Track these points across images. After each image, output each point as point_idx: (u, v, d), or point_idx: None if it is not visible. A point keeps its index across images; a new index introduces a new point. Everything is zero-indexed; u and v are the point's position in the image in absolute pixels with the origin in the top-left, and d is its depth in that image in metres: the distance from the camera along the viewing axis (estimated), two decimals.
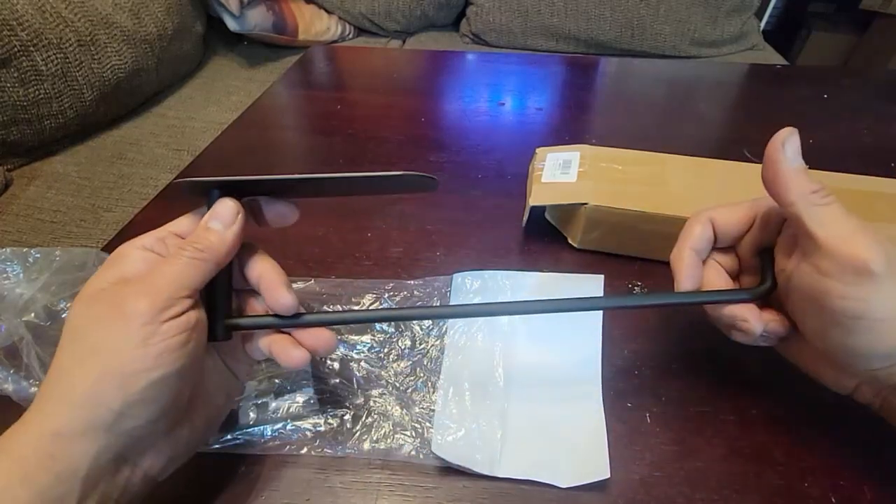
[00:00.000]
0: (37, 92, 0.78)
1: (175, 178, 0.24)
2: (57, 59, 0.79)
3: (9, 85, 0.75)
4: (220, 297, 0.24)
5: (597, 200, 0.37)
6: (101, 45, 0.86)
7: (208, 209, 0.23)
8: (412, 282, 0.37)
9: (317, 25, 1.27)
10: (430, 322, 0.34)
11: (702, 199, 0.36)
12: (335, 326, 0.28)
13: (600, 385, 0.30)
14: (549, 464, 0.26)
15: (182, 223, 0.24)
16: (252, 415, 0.29)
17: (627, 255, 0.39)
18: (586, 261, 0.40)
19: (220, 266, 0.22)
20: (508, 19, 1.23)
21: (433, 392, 0.30)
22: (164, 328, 0.20)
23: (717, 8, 1.17)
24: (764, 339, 0.26)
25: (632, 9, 1.17)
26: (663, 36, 1.19)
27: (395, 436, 0.28)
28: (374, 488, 0.27)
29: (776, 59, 1.24)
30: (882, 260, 0.20)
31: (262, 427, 0.29)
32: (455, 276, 0.36)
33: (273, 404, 0.29)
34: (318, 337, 0.24)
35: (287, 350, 0.24)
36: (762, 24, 1.44)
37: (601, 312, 0.33)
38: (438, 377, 0.31)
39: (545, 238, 0.41)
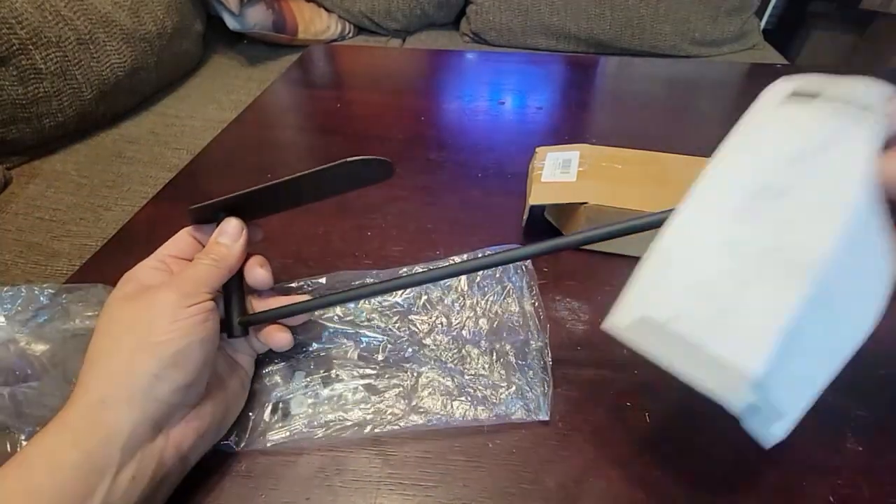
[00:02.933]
0: (36, 90, 0.77)
1: (189, 205, 0.29)
2: (56, 57, 0.79)
3: (8, 83, 0.74)
4: (235, 301, 0.29)
5: (596, 200, 0.37)
6: (100, 44, 0.85)
7: (216, 226, 0.28)
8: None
9: (316, 24, 1.27)
10: (457, 295, 0.36)
11: None
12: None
13: None
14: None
15: (172, 247, 0.28)
16: (305, 404, 0.30)
17: (627, 255, 0.39)
18: (586, 260, 0.40)
19: (231, 272, 0.28)
20: (508, 18, 1.23)
21: (477, 359, 0.32)
22: (187, 311, 0.24)
23: (717, 7, 1.17)
24: None
25: (632, 8, 1.16)
26: (663, 35, 1.19)
27: (452, 403, 0.30)
28: (374, 487, 0.27)
29: (776, 58, 1.24)
30: None
31: (317, 416, 0.29)
32: None
33: (324, 392, 0.31)
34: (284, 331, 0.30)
35: (274, 335, 0.29)
36: (762, 24, 1.44)
37: None
38: (476, 344, 0.33)
39: (545, 237, 0.41)
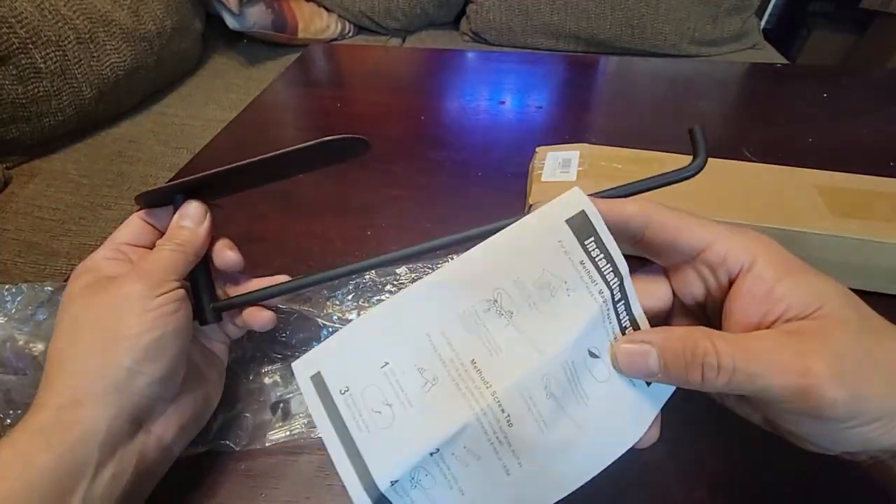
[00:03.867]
0: (36, 90, 0.77)
1: (146, 190, 0.26)
2: (56, 56, 0.79)
3: (7, 83, 0.74)
4: (204, 287, 0.27)
5: None
6: (99, 43, 0.85)
7: (174, 211, 0.26)
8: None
9: (316, 23, 1.27)
10: None
11: (701, 198, 0.36)
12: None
13: None
14: None
15: (125, 233, 0.26)
16: (305, 404, 0.30)
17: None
18: None
19: (198, 257, 0.26)
20: (508, 17, 1.23)
21: None
22: (157, 300, 0.23)
23: (717, 6, 1.17)
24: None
25: (632, 7, 1.16)
26: (663, 35, 1.18)
27: None
28: None
29: (776, 58, 1.24)
30: (844, 392, 0.16)
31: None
32: None
33: None
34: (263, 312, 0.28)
35: (255, 316, 0.28)
36: (762, 23, 1.44)
37: None
38: None
39: None
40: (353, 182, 0.49)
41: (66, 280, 0.36)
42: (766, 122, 0.60)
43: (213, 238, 0.27)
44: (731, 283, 0.19)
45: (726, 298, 0.19)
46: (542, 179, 0.41)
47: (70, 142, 0.87)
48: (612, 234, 0.20)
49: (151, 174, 0.80)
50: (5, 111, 0.76)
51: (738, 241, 0.19)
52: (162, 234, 0.27)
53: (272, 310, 0.29)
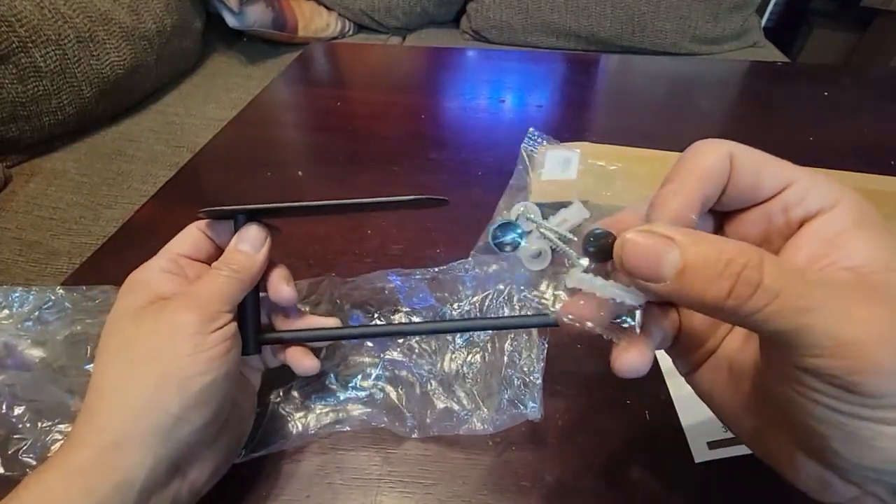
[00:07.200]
0: (36, 89, 0.77)
1: (201, 208, 0.26)
2: (56, 55, 0.79)
3: (7, 81, 0.74)
4: (251, 315, 0.26)
5: (597, 198, 0.37)
6: (99, 42, 0.85)
7: (235, 231, 0.25)
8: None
9: (316, 22, 1.26)
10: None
11: None
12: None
13: None
14: None
15: (183, 244, 0.25)
16: (307, 404, 0.30)
17: None
18: None
19: (252, 284, 0.25)
20: (509, 16, 1.23)
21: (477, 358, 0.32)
22: (211, 338, 0.22)
23: (718, 5, 1.17)
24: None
25: (632, 5, 1.16)
26: (664, 33, 1.18)
27: (453, 408, 0.29)
28: (374, 485, 0.27)
29: (777, 56, 1.23)
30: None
31: (318, 416, 0.29)
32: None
33: (325, 393, 0.30)
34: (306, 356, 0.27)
35: (300, 359, 0.27)
36: (763, 21, 1.44)
37: None
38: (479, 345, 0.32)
39: None
40: (354, 182, 0.49)
41: (65, 280, 0.36)
42: (766, 121, 0.60)
43: (269, 264, 0.26)
44: (800, 225, 0.16)
45: (788, 242, 0.17)
46: (543, 178, 0.41)
47: (70, 140, 0.87)
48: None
49: (152, 173, 0.80)
50: (5, 110, 0.76)
51: (824, 182, 0.16)
52: (219, 248, 0.26)
53: (318, 356, 0.27)
